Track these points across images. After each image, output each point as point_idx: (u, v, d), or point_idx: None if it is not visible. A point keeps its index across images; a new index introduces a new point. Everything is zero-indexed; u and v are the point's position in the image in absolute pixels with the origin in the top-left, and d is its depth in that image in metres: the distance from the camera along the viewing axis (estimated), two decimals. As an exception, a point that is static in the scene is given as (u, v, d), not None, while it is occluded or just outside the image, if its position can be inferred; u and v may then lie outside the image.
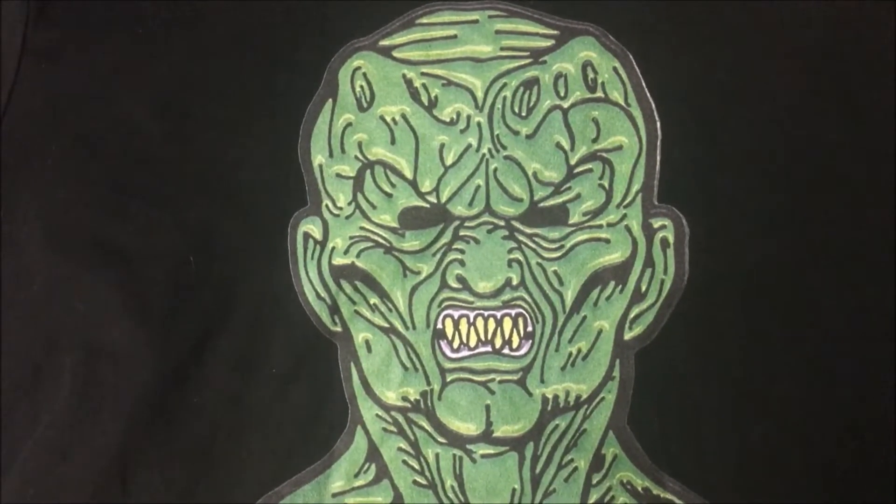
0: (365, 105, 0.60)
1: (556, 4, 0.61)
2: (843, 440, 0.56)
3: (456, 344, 0.57)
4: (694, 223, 0.58)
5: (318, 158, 0.60)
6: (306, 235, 0.59)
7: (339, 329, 0.58)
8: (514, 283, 0.57)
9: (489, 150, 0.59)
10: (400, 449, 0.57)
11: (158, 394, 0.57)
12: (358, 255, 0.59)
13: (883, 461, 0.56)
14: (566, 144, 0.59)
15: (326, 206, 0.59)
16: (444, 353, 0.57)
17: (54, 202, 0.59)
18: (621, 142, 0.59)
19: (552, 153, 0.59)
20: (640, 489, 0.57)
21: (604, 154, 0.59)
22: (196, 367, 0.58)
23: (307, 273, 0.59)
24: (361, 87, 0.60)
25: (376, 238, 0.59)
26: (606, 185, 0.58)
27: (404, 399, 0.57)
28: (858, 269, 0.57)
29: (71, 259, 0.58)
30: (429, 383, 0.57)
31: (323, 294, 0.58)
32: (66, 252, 0.59)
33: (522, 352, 0.57)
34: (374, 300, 0.58)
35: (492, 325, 0.57)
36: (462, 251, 0.58)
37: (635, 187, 0.59)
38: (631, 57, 0.60)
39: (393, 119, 0.59)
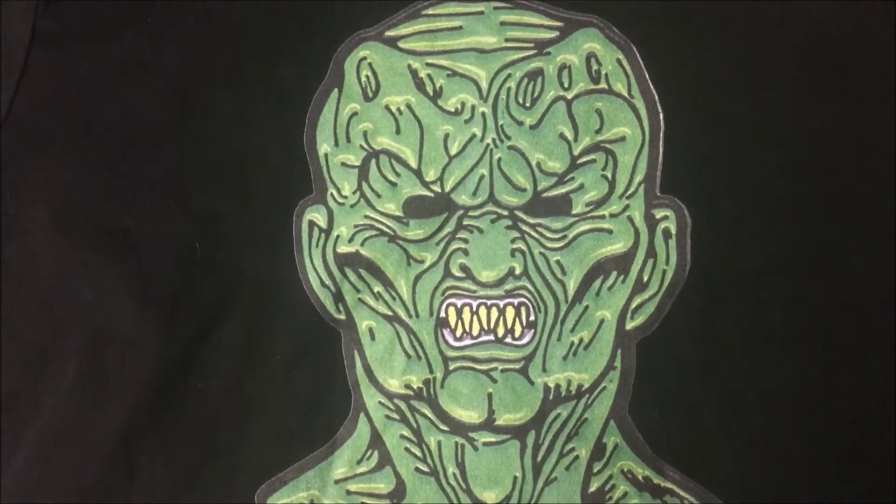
0: (370, 95, 0.60)
1: (561, -4, 0.61)
2: (844, 430, 0.56)
3: (459, 332, 0.58)
4: (696, 214, 0.58)
5: (324, 147, 0.60)
6: (311, 223, 0.59)
7: (342, 317, 0.59)
8: (517, 272, 0.58)
9: (493, 141, 0.59)
10: (402, 436, 0.58)
11: (163, 379, 0.58)
12: (362, 244, 0.59)
13: (883, 450, 0.56)
14: (570, 135, 0.59)
15: (331, 194, 0.60)
16: (446, 342, 0.58)
17: (61, 188, 0.60)
18: (624, 133, 0.59)
19: (556, 144, 0.59)
20: (640, 478, 0.57)
21: (607, 145, 0.59)
22: (200, 353, 0.58)
23: (312, 261, 0.59)
24: (367, 76, 0.60)
25: (381, 226, 0.59)
26: (609, 175, 0.59)
27: (407, 387, 0.58)
28: (859, 259, 0.58)
29: (77, 245, 0.59)
30: (431, 371, 0.58)
31: (327, 282, 0.59)
32: (72, 238, 0.59)
33: (525, 341, 0.57)
34: (377, 288, 0.59)
35: (494, 313, 0.57)
36: (465, 240, 0.58)
37: (638, 178, 0.59)
38: (634, 49, 0.60)
39: (398, 109, 0.60)
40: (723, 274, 0.58)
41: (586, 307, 0.58)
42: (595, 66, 0.60)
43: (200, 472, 0.57)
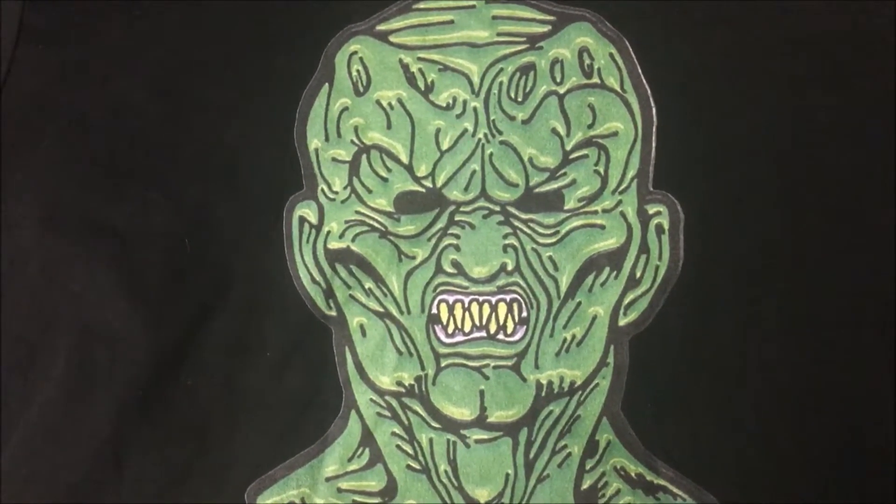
0: (361, 89, 0.60)
1: (553, -10, 0.61)
2: (838, 426, 0.56)
3: (450, 329, 0.57)
4: (689, 209, 0.58)
5: (315, 142, 0.60)
6: (302, 219, 0.59)
7: (333, 313, 0.58)
8: (509, 268, 0.57)
9: (485, 135, 0.59)
10: (394, 434, 0.57)
11: (152, 376, 0.57)
12: (353, 240, 0.59)
13: (878, 447, 0.56)
14: (562, 130, 0.59)
15: (322, 190, 0.59)
16: (438, 338, 0.57)
17: (50, 183, 0.59)
18: (617, 128, 0.59)
19: (548, 139, 0.59)
20: (633, 475, 0.57)
21: (599, 140, 0.59)
22: (190, 349, 0.58)
23: (302, 257, 0.59)
24: (358, 71, 0.60)
25: (372, 222, 0.59)
26: (602, 170, 0.59)
27: (398, 384, 0.57)
28: (853, 254, 0.57)
29: (67, 240, 0.59)
30: (423, 368, 0.57)
31: (318, 278, 0.58)
32: (61, 233, 0.59)
33: (517, 337, 0.57)
34: (369, 284, 0.58)
35: (486, 310, 0.57)
36: (457, 236, 0.58)
37: (630, 173, 0.59)
38: (627, 43, 0.60)
39: (389, 104, 0.59)
40: (716, 269, 0.57)
41: (579, 303, 0.58)
42: (587, 61, 0.60)
43: (190, 470, 0.57)
